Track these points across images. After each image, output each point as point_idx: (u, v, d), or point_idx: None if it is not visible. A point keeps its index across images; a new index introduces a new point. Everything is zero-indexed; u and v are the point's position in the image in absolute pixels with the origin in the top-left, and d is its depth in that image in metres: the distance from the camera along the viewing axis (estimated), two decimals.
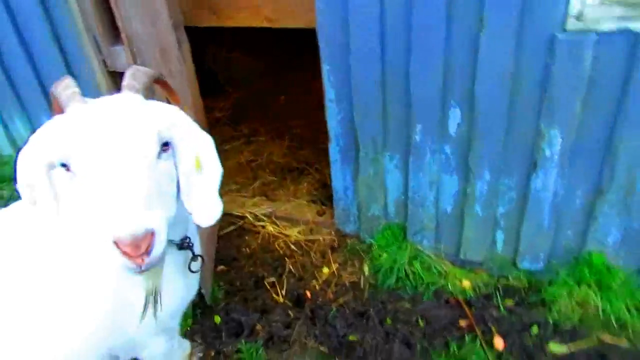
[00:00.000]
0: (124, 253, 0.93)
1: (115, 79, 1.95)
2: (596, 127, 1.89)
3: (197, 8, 2.51)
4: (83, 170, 1.00)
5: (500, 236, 2.31)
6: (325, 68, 2.18)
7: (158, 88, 2.02)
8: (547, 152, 2.00)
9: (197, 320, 2.27)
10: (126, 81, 1.16)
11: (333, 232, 2.69)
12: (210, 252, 2.48)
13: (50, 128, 1.07)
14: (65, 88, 1.09)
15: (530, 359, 1.96)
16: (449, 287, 2.30)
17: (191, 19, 2.48)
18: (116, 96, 1.13)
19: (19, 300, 1.21)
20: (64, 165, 1.03)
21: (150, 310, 1.13)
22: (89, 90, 1.63)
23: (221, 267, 2.58)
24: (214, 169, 1.21)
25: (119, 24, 1.77)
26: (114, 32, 1.90)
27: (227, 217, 2.86)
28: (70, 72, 2.13)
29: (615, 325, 2.03)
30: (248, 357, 2.05)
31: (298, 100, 4.24)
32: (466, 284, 2.32)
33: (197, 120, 2.60)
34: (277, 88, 4.48)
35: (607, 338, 2.00)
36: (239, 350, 2.10)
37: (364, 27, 1.97)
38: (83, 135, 1.00)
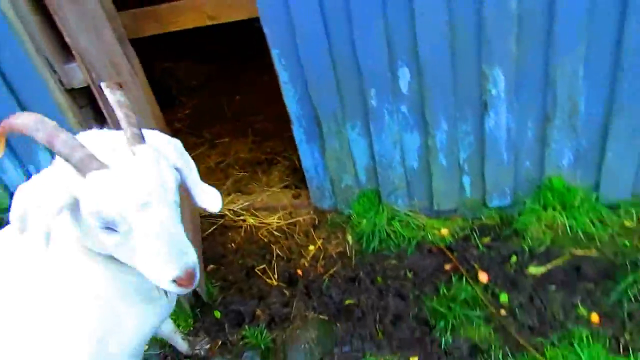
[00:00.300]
0: (180, 285, 1.07)
1: (74, 97, 1.96)
2: (532, 59, 2.04)
3: (138, 19, 2.52)
4: (132, 230, 1.05)
5: (467, 181, 2.44)
6: (275, 52, 2.25)
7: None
8: (494, 92, 2.14)
9: (198, 318, 2.31)
10: (128, 133, 1.11)
11: (312, 211, 2.77)
12: (197, 258, 2.51)
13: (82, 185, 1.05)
14: (73, 149, 1.02)
15: (513, 285, 2.10)
16: (429, 237, 2.42)
17: (134, 30, 2.50)
18: (131, 150, 1.11)
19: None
20: (107, 227, 1.06)
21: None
22: (50, 112, 1.65)
23: (211, 266, 2.62)
24: (193, 163, 1.30)
25: (68, 40, 1.78)
26: (64, 51, 1.91)
27: (206, 219, 2.90)
28: (28, 95, 2.11)
29: (583, 239, 2.19)
30: (254, 340, 2.11)
31: (253, 96, 4.29)
32: (444, 231, 2.44)
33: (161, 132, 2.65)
34: (230, 89, 4.52)
35: (578, 252, 2.17)
36: (244, 337, 2.15)
37: (304, 4, 2.05)
38: (127, 203, 1.03)
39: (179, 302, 2.30)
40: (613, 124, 2.12)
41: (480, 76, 2.11)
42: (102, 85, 1.18)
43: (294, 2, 2.05)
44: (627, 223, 2.23)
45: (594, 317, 1.88)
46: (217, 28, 2.74)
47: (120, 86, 1.19)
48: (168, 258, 1.05)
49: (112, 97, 1.14)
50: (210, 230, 2.84)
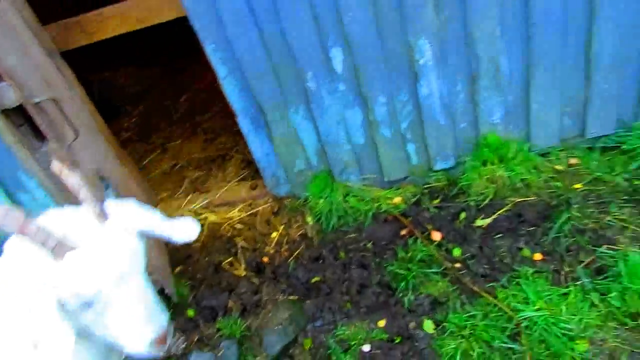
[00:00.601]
0: (157, 345, 1.14)
1: (8, 117, 1.93)
2: (452, 27, 2.16)
3: (65, 30, 2.48)
4: (110, 303, 1.09)
5: (411, 148, 2.57)
6: (209, 48, 2.27)
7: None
8: (422, 61, 2.25)
9: (172, 320, 2.34)
10: (93, 211, 1.14)
11: (270, 200, 2.84)
12: (162, 261, 2.54)
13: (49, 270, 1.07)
14: (45, 238, 1.04)
15: (464, 239, 2.24)
16: (384, 207, 2.53)
17: (64, 42, 2.46)
18: (99, 227, 1.13)
19: None
20: (84, 304, 1.08)
21: None
22: None
23: (179, 268, 2.65)
24: (155, 212, 1.31)
25: None
26: None
27: None
28: None
29: (522, 187, 2.36)
30: (229, 331, 2.17)
31: (198, 95, 4.27)
32: (397, 200, 2.57)
33: (109, 144, 2.62)
34: (175, 90, 4.47)
35: (519, 199, 2.33)
36: (219, 330, 2.21)
37: None
38: (104, 281, 1.07)
39: None
40: (533, 78, 2.28)
41: (408, 48, 2.22)
42: (54, 169, 1.20)
43: (221, 6, 2.07)
44: (559, 167, 2.41)
45: (537, 256, 2.05)
46: (152, 30, 2.72)
47: (68, 165, 1.21)
48: (145, 322, 1.12)
49: (69, 181, 1.17)
50: None
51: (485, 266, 2.10)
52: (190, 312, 2.36)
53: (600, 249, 1.96)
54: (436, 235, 2.31)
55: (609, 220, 2.08)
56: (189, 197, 3.05)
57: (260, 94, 2.38)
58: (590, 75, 2.27)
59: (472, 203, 2.40)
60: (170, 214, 2.97)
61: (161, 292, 2.33)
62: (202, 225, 2.85)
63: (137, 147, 3.90)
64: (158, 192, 3.25)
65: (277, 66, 2.30)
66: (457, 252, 2.20)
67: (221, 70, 2.34)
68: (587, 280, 1.86)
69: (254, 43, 2.21)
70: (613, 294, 1.75)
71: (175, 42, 4.36)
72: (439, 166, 2.59)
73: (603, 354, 1.66)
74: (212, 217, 2.88)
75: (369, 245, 2.39)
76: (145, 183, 3.04)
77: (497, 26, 2.15)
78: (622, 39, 2.15)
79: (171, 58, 4.93)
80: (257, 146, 2.62)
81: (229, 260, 2.58)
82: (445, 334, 1.87)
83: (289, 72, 2.32)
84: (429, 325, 1.94)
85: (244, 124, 2.54)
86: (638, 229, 2.01)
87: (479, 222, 2.30)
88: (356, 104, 2.43)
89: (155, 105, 4.39)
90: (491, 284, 2.01)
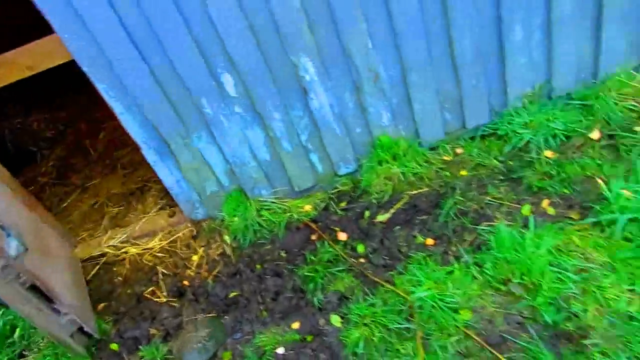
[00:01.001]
0: None
1: None
2: (329, 42, 2.33)
3: None
4: None
5: (314, 158, 2.72)
6: (101, 87, 2.34)
7: None
8: (307, 77, 2.42)
9: (95, 356, 2.35)
10: None
11: (189, 224, 2.90)
12: (81, 300, 2.54)
13: None
14: None
15: (367, 235, 2.41)
16: (295, 216, 2.67)
17: None
18: None
19: None
20: None
21: None
22: None
23: (102, 305, 2.65)
24: None
25: None
26: None
27: (88, 261, 2.91)
28: None
29: (415, 181, 2.57)
30: (151, 357, 2.21)
31: (117, 131, 4.25)
32: (307, 207, 2.71)
33: (15, 192, 2.60)
34: (92, 129, 4.44)
35: (413, 192, 2.54)
36: (142, 358, 2.24)
37: (111, 36, 2.15)
38: None
39: (73, 348, 2.33)
40: (410, 81, 2.50)
41: (292, 66, 2.38)
42: None
43: (100, 36, 2.14)
44: (446, 158, 2.64)
45: (429, 241, 2.25)
46: (61, 70, 2.72)
47: None
48: None
49: None
50: (94, 271, 2.86)
51: (386, 257, 2.27)
52: (114, 346, 2.37)
53: (480, 227, 2.18)
54: (342, 236, 2.46)
55: (488, 200, 2.31)
56: (109, 234, 3.06)
57: (160, 125, 2.46)
58: (459, 73, 2.52)
59: (374, 201, 2.58)
60: (90, 252, 2.97)
61: (80, 330, 2.34)
62: (124, 260, 2.87)
63: (56, 190, 3.84)
64: (78, 232, 3.23)
65: (171, 97, 2.39)
66: (361, 248, 2.36)
67: (117, 107, 2.40)
68: (468, 256, 2.07)
69: (145, 78, 2.29)
70: (487, 265, 1.96)
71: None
72: (342, 171, 2.77)
73: (483, 319, 1.85)
74: (132, 250, 2.90)
75: (283, 254, 2.50)
76: (60, 226, 3.02)
77: (368, 39, 2.36)
78: (477, 40, 2.41)
79: (89, 96, 4.88)
80: (166, 175, 2.69)
81: (150, 289, 2.62)
82: (350, 325, 2.01)
83: (184, 101, 2.42)
84: (336, 320, 2.07)
85: (150, 155, 2.60)
86: (511, 204, 2.25)
87: (380, 218, 2.48)
88: (255, 123, 2.56)
89: (73, 146, 4.34)
90: (391, 273, 2.18)
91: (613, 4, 2.38)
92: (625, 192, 1.90)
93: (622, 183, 1.97)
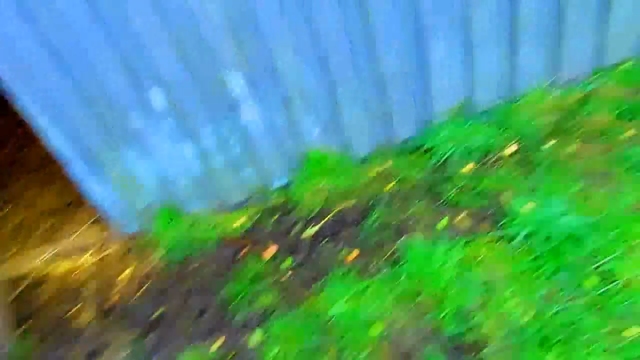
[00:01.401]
0: None
1: None
2: (256, 57, 2.35)
3: None
4: None
5: (247, 172, 2.73)
6: (23, 102, 2.26)
7: None
8: (237, 91, 2.43)
9: None
10: None
11: (120, 240, 2.85)
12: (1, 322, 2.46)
13: None
14: None
15: (295, 249, 2.44)
16: (228, 231, 2.66)
17: None
18: None
19: None
20: None
21: None
22: None
23: (25, 325, 2.57)
24: None
25: None
26: None
27: (11, 282, 2.81)
28: None
29: (345, 193, 2.62)
30: None
31: None
32: (241, 221, 2.71)
33: None
34: (31, 139, 4.30)
35: (342, 205, 2.58)
36: None
37: (36, 59, 2.09)
38: None
39: None
40: (337, 94, 2.56)
41: (220, 81, 2.39)
42: None
43: (23, 54, 2.09)
44: (376, 170, 2.71)
45: (353, 255, 2.29)
46: None
47: None
48: None
49: None
50: (20, 290, 2.77)
51: (311, 271, 2.30)
52: None
53: (399, 241, 2.24)
54: (272, 250, 2.48)
55: (408, 214, 2.38)
56: (37, 250, 2.97)
57: (88, 140, 2.40)
58: (385, 88, 2.59)
59: (304, 215, 2.61)
60: (18, 269, 2.87)
61: None
62: (52, 277, 2.79)
63: None
64: (9, 247, 3.13)
65: (99, 113, 2.33)
66: (288, 262, 2.38)
67: (41, 122, 2.33)
68: (386, 270, 2.13)
69: (70, 95, 2.23)
70: (402, 278, 2.02)
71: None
72: (275, 184, 2.79)
73: (395, 330, 1.90)
74: (61, 267, 2.82)
75: (212, 269, 2.50)
76: None
77: (294, 55, 2.40)
78: (401, 57, 2.49)
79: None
80: (95, 191, 2.63)
81: (77, 307, 2.56)
82: (270, 342, 2.02)
83: (112, 116, 2.37)
84: (259, 335, 2.08)
85: (77, 170, 2.53)
86: (429, 219, 2.33)
87: (309, 232, 2.51)
88: (186, 138, 2.54)
89: (10, 158, 4.19)
90: (315, 285, 2.21)
91: (528, 27, 2.51)
92: (527, 206, 2.00)
93: (526, 197, 2.07)
